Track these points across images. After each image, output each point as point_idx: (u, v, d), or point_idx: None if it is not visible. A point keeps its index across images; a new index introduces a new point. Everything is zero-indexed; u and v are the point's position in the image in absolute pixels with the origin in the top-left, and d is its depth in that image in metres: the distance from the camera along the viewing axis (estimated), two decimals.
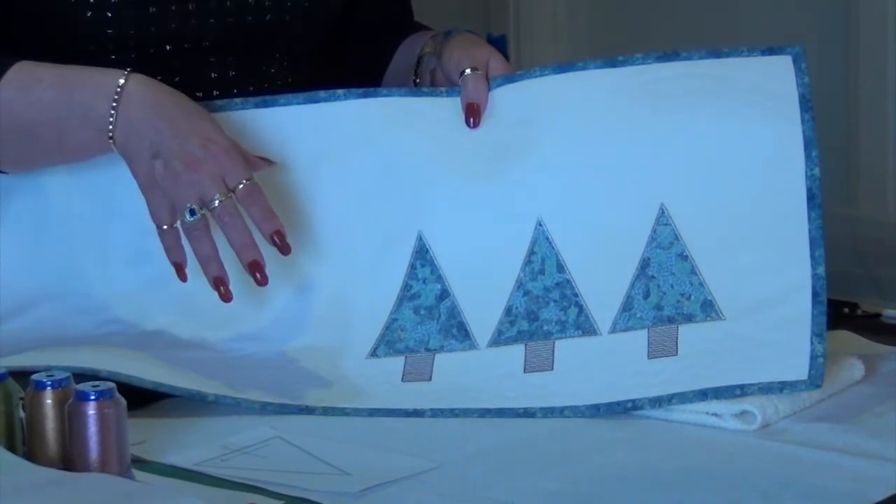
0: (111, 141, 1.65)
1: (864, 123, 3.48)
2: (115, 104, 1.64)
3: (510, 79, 1.75)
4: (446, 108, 1.74)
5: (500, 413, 1.57)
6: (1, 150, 1.70)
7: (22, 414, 1.44)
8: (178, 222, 1.64)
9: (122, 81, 1.65)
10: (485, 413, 1.57)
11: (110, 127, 1.65)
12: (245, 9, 1.80)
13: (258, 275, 1.63)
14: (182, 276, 1.66)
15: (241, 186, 1.62)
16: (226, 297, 1.64)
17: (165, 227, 1.66)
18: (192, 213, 1.62)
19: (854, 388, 1.60)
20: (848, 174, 3.39)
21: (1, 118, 1.68)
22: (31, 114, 1.69)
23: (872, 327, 1.77)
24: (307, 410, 1.59)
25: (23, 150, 1.71)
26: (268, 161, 1.69)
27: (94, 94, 1.66)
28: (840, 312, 1.75)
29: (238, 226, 1.63)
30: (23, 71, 1.70)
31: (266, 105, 1.74)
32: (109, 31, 1.75)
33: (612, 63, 1.71)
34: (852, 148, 3.46)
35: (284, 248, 1.64)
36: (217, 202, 1.61)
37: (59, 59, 1.72)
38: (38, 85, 1.69)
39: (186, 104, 1.67)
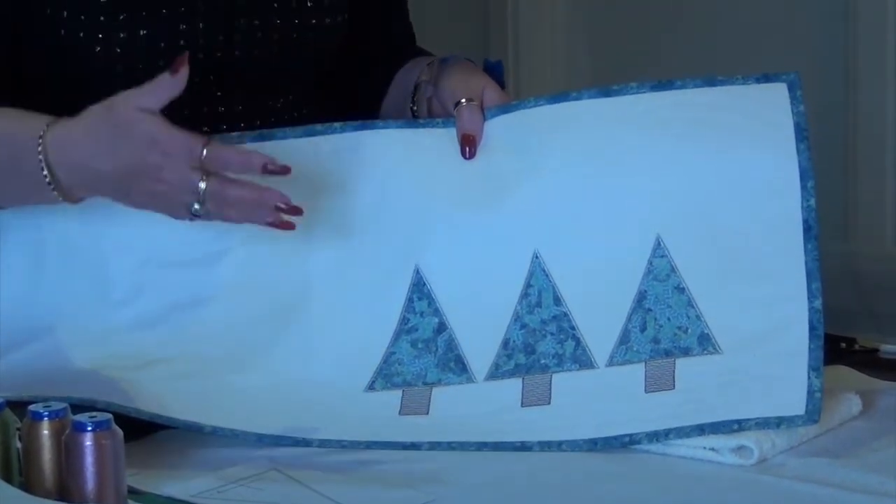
0: (63, 196, 1.65)
1: (861, 156, 3.48)
2: (44, 161, 1.64)
3: (505, 109, 1.76)
4: (442, 140, 1.75)
5: (498, 447, 1.57)
6: None
7: (19, 444, 1.44)
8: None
9: (42, 129, 1.64)
10: (482, 447, 1.58)
11: (52, 186, 1.64)
12: (252, 44, 1.82)
13: (281, 225, 1.61)
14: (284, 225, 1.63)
15: (205, 154, 1.60)
16: (287, 226, 1.62)
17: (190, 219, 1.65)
18: (197, 213, 1.62)
19: (851, 424, 1.60)
20: (845, 208, 3.39)
21: None
22: None
23: (870, 362, 1.77)
24: (304, 443, 1.59)
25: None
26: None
27: (24, 140, 1.65)
28: (837, 347, 1.76)
29: (234, 190, 1.60)
30: None
31: (264, 139, 1.75)
32: (118, 66, 1.75)
33: (606, 92, 1.72)
34: (849, 181, 3.46)
35: (282, 171, 1.60)
36: (203, 185, 1.59)
37: (69, 95, 1.73)
38: None
39: (94, 125, 1.64)
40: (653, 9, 3.81)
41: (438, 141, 1.75)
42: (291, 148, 1.74)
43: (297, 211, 1.61)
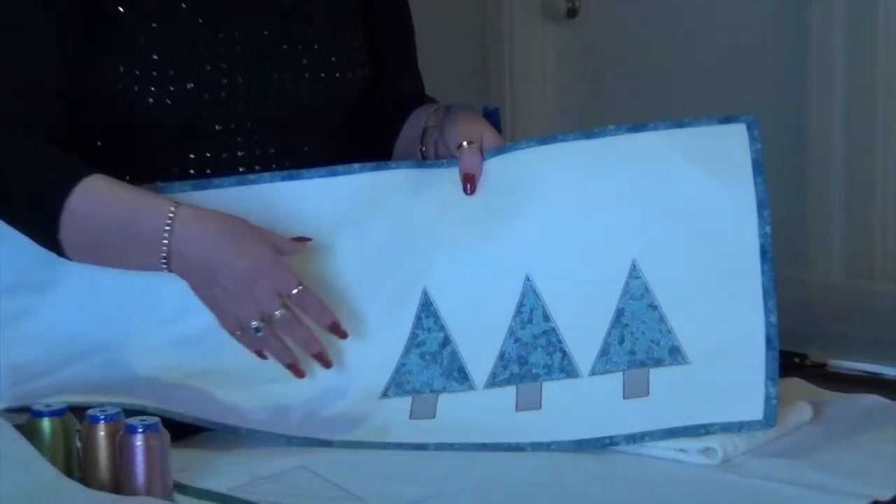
0: (167, 269, 1.66)
1: (811, 194, 3.48)
2: (166, 233, 1.64)
3: (501, 150, 1.75)
4: (447, 178, 1.75)
5: (496, 447, 1.57)
6: (69, 245, 1.69)
7: (78, 444, 1.44)
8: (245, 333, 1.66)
9: (174, 202, 1.66)
10: (481, 447, 1.58)
11: (163, 255, 1.65)
12: (284, 96, 1.82)
13: (323, 361, 1.66)
14: (262, 357, 1.68)
15: (294, 293, 1.64)
16: (326, 366, 1.67)
17: (238, 334, 1.66)
18: (257, 328, 1.64)
19: (804, 429, 1.60)
20: (798, 241, 3.39)
21: (72, 224, 1.68)
22: (97, 230, 1.69)
23: (819, 376, 1.77)
24: (326, 443, 1.59)
25: (89, 253, 1.71)
26: (303, 240, 1.69)
27: (151, 217, 1.66)
28: (791, 362, 1.76)
29: (297, 329, 1.65)
30: (93, 187, 1.69)
31: (293, 178, 1.74)
32: (167, 114, 1.75)
33: (588, 135, 1.71)
34: (802, 217, 3.46)
35: (341, 335, 1.66)
36: (278, 314, 1.63)
37: (120, 138, 1.75)
38: (105, 206, 1.69)
39: (229, 229, 1.66)
40: (629, 60, 3.81)
41: (443, 179, 1.75)
42: (316, 186, 1.74)
43: (326, 363, 1.66)
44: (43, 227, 1.69)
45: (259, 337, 1.64)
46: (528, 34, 3.98)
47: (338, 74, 1.87)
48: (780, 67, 3.55)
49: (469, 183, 1.73)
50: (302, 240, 1.69)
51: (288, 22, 1.85)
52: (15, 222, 1.74)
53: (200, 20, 1.79)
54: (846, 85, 3.44)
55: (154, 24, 1.77)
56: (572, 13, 3.93)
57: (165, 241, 1.64)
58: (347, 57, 1.89)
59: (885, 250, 3.36)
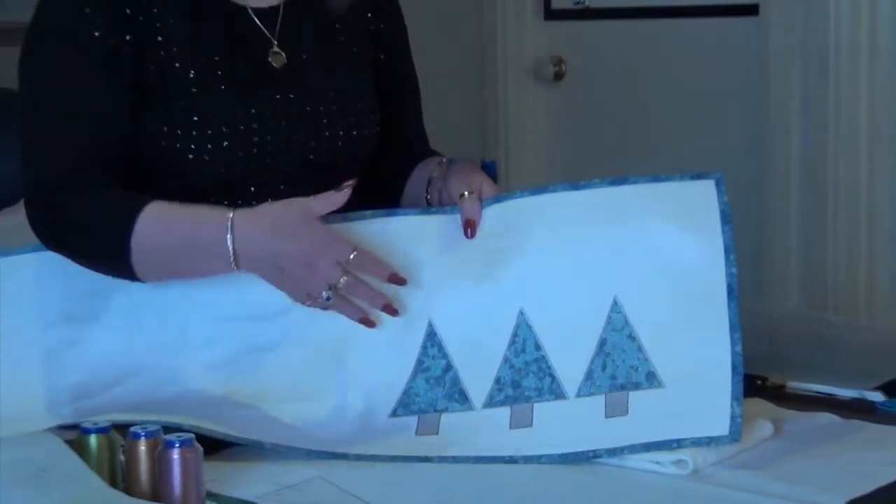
0: (236, 268, 1.67)
1: (771, 236, 3.48)
2: (230, 242, 1.66)
3: (498, 199, 1.75)
4: (450, 224, 1.75)
5: (492, 460, 1.57)
6: (140, 268, 1.71)
7: (122, 458, 1.44)
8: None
9: (229, 216, 1.66)
10: (479, 460, 1.57)
11: (232, 260, 1.66)
12: (307, 152, 1.84)
13: (390, 311, 1.68)
14: (370, 325, 1.70)
15: (352, 258, 1.65)
16: (393, 314, 1.69)
17: (308, 303, 1.68)
18: (328, 297, 1.66)
19: (765, 444, 1.59)
20: (759, 277, 3.39)
21: (139, 246, 1.70)
22: (163, 246, 1.71)
23: (779, 396, 1.77)
24: (342, 456, 1.59)
25: (156, 271, 1.72)
26: (343, 190, 1.70)
27: (212, 231, 1.67)
28: (753, 384, 1.75)
29: (362, 289, 1.67)
30: (155, 210, 1.71)
31: None
32: (204, 167, 1.77)
33: (575, 186, 1.72)
34: (763, 256, 3.46)
35: (400, 282, 1.69)
36: (342, 281, 1.65)
37: (164, 186, 1.76)
38: (168, 223, 1.71)
39: (281, 220, 1.68)
40: (609, 118, 3.82)
41: (447, 224, 1.75)
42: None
43: (393, 312, 1.68)
44: (115, 256, 1.71)
45: (330, 304, 1.66)
46: (520, 95, 3.99)
47: (354, 133, 1.88)
48: (743, 123, 3.56)
49: (470, 228, 1.73)
50: (342, 189, 1.70)
51: (311, 89, 1.86)
52: (91, 259, 1.76)
53: (235, 87, 1.80)
54: (801, 139, 3.44)
55: (194, 90, 1.78)
56: (559, 77, 3.95)
57: (231, 247, 1.66)
58: (362, 117, 1.90)
59: (836, 285, 3.37)
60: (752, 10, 3.51)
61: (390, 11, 2.00)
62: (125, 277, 1.73)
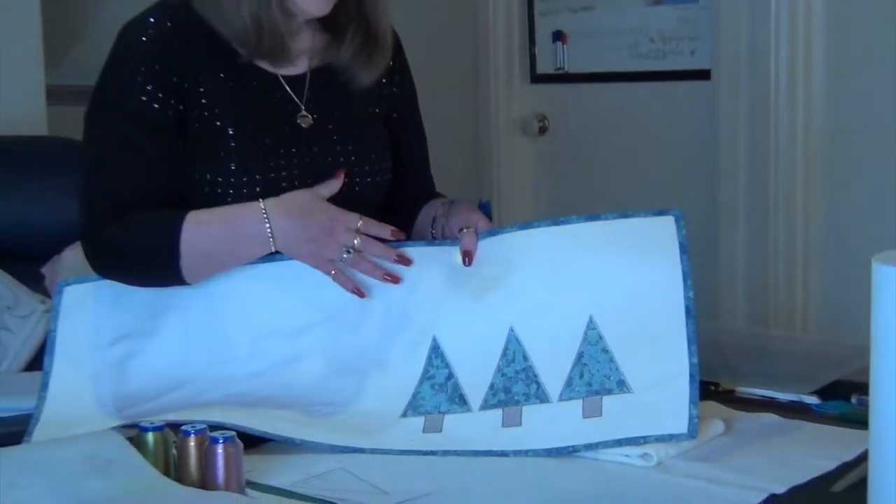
0: (274, 246, 1.72)
1: (721, 264, 3.49)
2: (268, 227, 1.71)
3: (491, 233, 1.75)
4: (451, 255, 1.75)
5: (487, 454, 1.56)
6: (190, 272, 1.73)
7: (174, 452, 1.44)
8: (339, 265, 1.72)
9: (262, 207, 1.72)
10: (476, 453, 1.57)
11: (271, 241, 1.72)
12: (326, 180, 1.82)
13: (403, 261, 1.74)
14: (360, 295, 1.73)
15: (360, 224, 1.72)
16: (395, 281, 1.73)
17: (333, 272, 1.72)
18: (346, 255, 1.71)
19: (717, 439, 1.59)
20: (712, 298, 3.39)
21: (187, 251, 1.72)
22: (208, 245, 1.73)
23: (729, 399, 1.76)
24: (360, 450, 1.58)
25: (203, 268, 1.74)
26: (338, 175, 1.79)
27: (250, 222, 1.72)
28: (707, 389, 1.75)
29: (373, 246, 1.73)
30: (195, 218, 1.73)
31: None
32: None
33: (556, 222, 1.71)
34: (714, 280, 3.47)
35: (398, 237, 1.75)
36: (357, 242, 1.71)
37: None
38: (208, 226, 1.73)
39: (303, 201, 1.74)
40: (585, 164, 3.82)
41: (448, 255, 1.75)
42: None
43: (406, 261, 1.74)
44: (166, 266, 1.72)
45: (351, 262, 1.71)
46: (510, 147, 4.00)
47: (368, 179, 1.88)
48: (698, 169, 3.56)
49: (467, 258, 1.72)
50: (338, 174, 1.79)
51: (333, 145, 1.86)
52: (141, 275, 1.77)
53: (267, 140, 1.80)
54: (746, 182, 3.45)
55: (233, 144, 1.78)
56: (542, 131, 3.96)
57: (269, 230, 1.71)
58: (375, 167, 1.90)
59: (777, 306, 3.37)
60: (705, 75, 3.53)
61: (402, 77, 2.00)
62: (171, 284, 1.74)
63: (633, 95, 3.71)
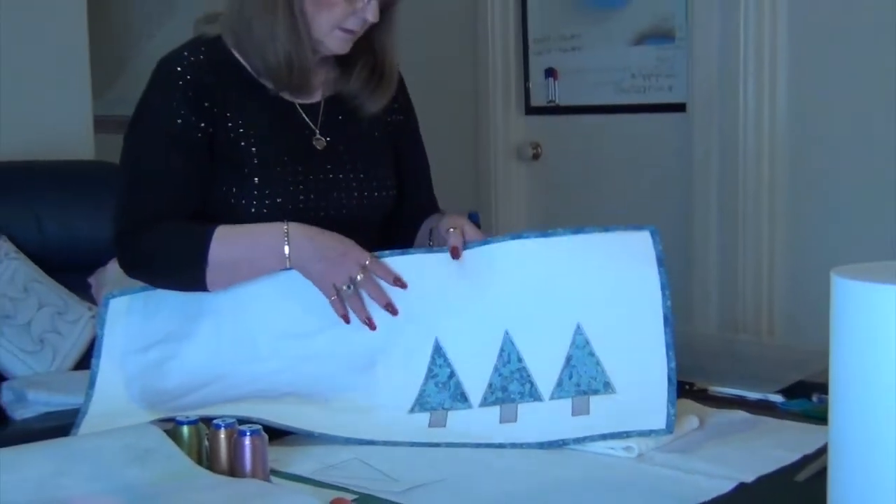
0: (289, 264, 1.71)
1: (695, 275, 3.48)
2: (286, 244, 1.70)
3: (486, 241, 1.73)
4: (446, 261, 1.71)
5: (487, 446, 1.56)
6: (213, 280, 1.73)
7: (206, 444, 1.43)
8: (340, 293, 1.70)
9: (285, 229, 1.71)
10: (477, 446, 1.56)
11: (287, 259, 1.70)
12: (340, 209, 1.83)
13: (391, 310, 1.70)
14: (346, 321, 1.71)
15: (367, 263, 1.70)
16: (393, 312, 1.71)
17: (333, 298, 1.70)
18: (348, 287, 1.69)
19: (692, 433, 1.58)
20: (687, 305, 3.39)
21: (214, 261, 1.71)
22: (233, 257, 1.73)
23: (702, 397, 1.76)
24: (371, 442, 1.58)
25: (227, 278, 1.74)
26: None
27: (273, 240, 1.71)
28: (683, 389, 1.74)
29: (372, 287, 1.70)
30: (223, 232, 1.73)
31: None
32: (264, 219, 1.78)
33: (544, 234, 1.69)
34: (689, 290, 3.46)
35: (402, 286, 1.71)
36: (359, 277, 1.69)
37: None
38: (235, 240, 1.73)
39: (321, 232, 1.72)
40: (574, 187, 3.82)
41: (444, 261, 1.72)
42: None
43: (394, 311, 1.71)
44: (193, 273, 1.72)
45: (348, 294, 1.69)
46: (506, 170, 3.99)
47: (376, 194, 1.88)
48: (674, 190, 3.56)
49: (453, 252, 1.71)
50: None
51: (344, 164, 1.87)
52: (169, 279, 1.77)
53: (286, 158, 1.81)
54: (717, 203, 3.45)
55: (255, 162, 1.79)
56: (536, 157, 3.95)
57: (287, 249, 1.70)
58: (381, 184, 1.90)
59: (745, 313, 3.37)
60: (681, 108, 3.54)
61: (405, 110, 2.01)
62: (193, 289, 1.74)
63: (617, 126, 3.71)
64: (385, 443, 1.58)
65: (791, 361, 1.93)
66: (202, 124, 1.78)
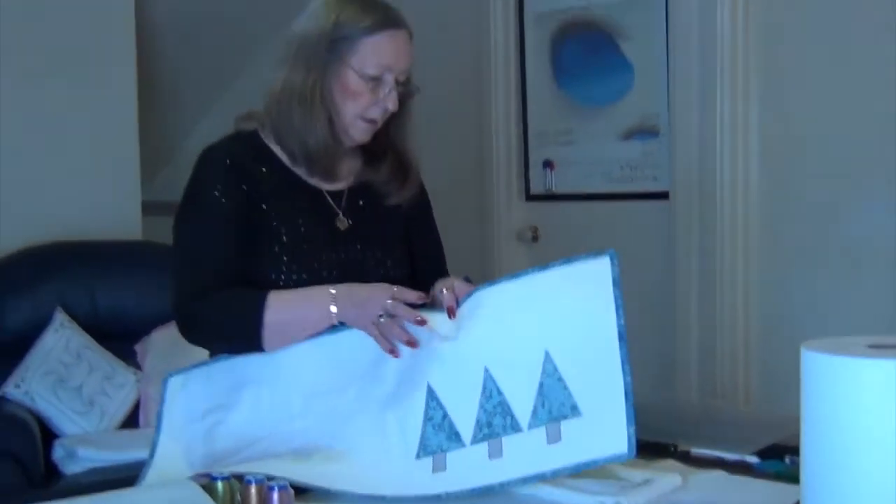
0: (335, 319, 1.71)
1: (677, 346, 3.47)
2: (333, 307, 1.70)
3: (468, 294, 1.70)
4: (438, 315, 1.70)
5: (482, 491, 1.54)
6: (269, 340, 1.72)
7: (238, 497, 1.43)
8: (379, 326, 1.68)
9: (333, 292, 1.71)
10: (473, 492, 1.54)
11: (334, 315, 1.70)
12: (358, 271, 1.84)
13: (411, 345, 1.68)
14: (395, 355, 1.69)
15: (395, 290, 1.69)
16: (414, 345, 1.68)
17: (376, 334, 1.68)
18: (381, 318, 1.67)
19: (676, 492, 1.56)
20: (669, 374, 3.37)
21: (270, 322, 1.71)
22: (286, 319, 1.72)
23: (684, 458, 1.74)
24: (381, 499, 1.56)
25: (279, 338, 1.72)
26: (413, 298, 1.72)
27: (320, 301, 1.71)
28: (667, 450, 1.72)
29: (404, 314, 1.68)
30: (275, 298, 1.72)
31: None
32: (286, 287, 1.78)
33: (517, 275, 1.67)
34: (672, 360, 3.44)
35: (421, 323, 1.68)
36: (389, 303, 1.67)
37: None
38: (287, 304, 1.73)
39: (353, 285, 1.74)
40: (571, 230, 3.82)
41: (436, 315, 1.70)
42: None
43: (413, 344, 1.68)
44: (251, 337, 1.72)
45: (383, 323, 1.67)
46: (509, 251, 4.00)
47: (392, 272, 1.88)
48: (658, 268, 3.56)
49: (450, 312, 1.70)
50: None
51: (364, 244, 1.88)
52: (227, 342, 1.76)
53: (312, 238, 1.83)
54: (697, 280, 3.44)
55: (284, 240, 1.80)
56: (535, 238, 3.96)
57: (335, 310, 1.70)
58: (398, 261, 1.91)
59: (723, 382, 3.35)
60: (664, 196, 3.55)
61: (420, 195, 2.01)
62: (249, 351, 1.73)
63: (607, 211, 3.73)
64: (394, 498, 1.55)
65: (765, 426, 1.92)
66: (241, 204, 1.80)
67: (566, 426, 1.55)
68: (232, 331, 1.75)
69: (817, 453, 1.16)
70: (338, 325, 1.73)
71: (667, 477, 1.57)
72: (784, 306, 3.27)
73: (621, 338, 1.57)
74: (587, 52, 3.75)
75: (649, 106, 3.60)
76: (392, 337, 1.69)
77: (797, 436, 1.20)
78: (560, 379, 1.58)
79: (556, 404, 1.57)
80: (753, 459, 1.75)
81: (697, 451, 1.79)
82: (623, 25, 3.65)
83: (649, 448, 1.56)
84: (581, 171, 3.79)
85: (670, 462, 1.68)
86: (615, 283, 1.60)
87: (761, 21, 3.28)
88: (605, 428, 1.52)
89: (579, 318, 1.61)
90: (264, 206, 1.81)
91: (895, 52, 3.03)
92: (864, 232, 3.11)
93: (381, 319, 1.69)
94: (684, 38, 3.41)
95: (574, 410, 1.55)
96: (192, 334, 1.78)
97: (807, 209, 3.22)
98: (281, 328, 1.72)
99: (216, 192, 1.79)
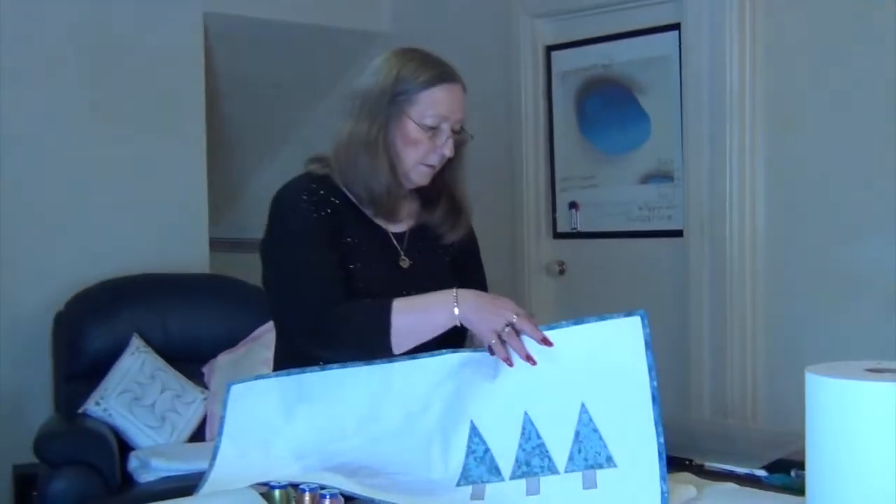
0: (458, 321, 1.66)
1: (691, 368, 3.44)
2: (456, 305, 1.65)
3: None
4: (482, 357, 1.65)
5: None
6: (396, 344, 1.68)
7: None
8: (500, 335, 1.63)
9: (454, 294, 1.67)
10: None
11: (457, 315, 1.65)
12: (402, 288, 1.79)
13: (531, 361, 1.61)
14: (510, 364, 1.62)
15: (518, 314, 1.63)
16: (532, 362, 1.61)
17: (494, 342, 1.63)
18: (504, 329, 1.62)
19: (691, 502, 1.54)
20: (684, 394, 3.34)
21: (398, 327, 1.67)
22: (410, 325, 1.68)
23: (698, 471, 1.72)
24: None
25: (407, 340, 1.69)
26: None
27: (445, 302, 1.67)
28: (682, 464, 1.71)
29: (531, 331, 1.61)
30: (398, 305, 1.69)
31: (412, 358, 1.70)
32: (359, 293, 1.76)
33: (551, 326, 1.61)
34: (686, 382, 3.41)
35: (546, 343, 1.61)
36: (515, 318, 1.62)
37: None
38: (412, 308, 1.69)
39: (480, 293, 1.70)
40: (594, 296, 3.80)
41: (479, 357, 1.66)
42: (415, 364, 1.69)
43: (532, 362, 1.61)
44: (381, 342, 1.68)
45: (507, 333, 1.61)
46: (539, 284, 3.99)
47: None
48: (672, 298, 3.53)
49: (508, 362, 1.63)
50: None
51: (423, 279, 1.83)
52: (358, 349, 1.71)
53: (378, 277, 1.80)
54: (709, 310, 3.41)
55: (356, 275, 1.78)
56: (562, 272, 3.95)
57: (457, 310, 1.65)
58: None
59: (734, 401, 3.32)
60: (678, 234, 3.53)
61: (468, 235, 1.99)
62: (380, 355, 1.69)
63: (626, 248, 3.71)
64: None
65: (772, 442, 1.90)
66: (333, 226, 1.78)
67: (602, 475, 1.51)
68: (363, 338, 1.70)
69: (821, 467, 1.15)
70: (396, 356, 1.69)
71: (683, 488, 1.55)
72: (789, 334, 3.24)
73: (654, 400, 1.52)
74: (609, 105, 3.76)
75: (665, 153, 3.59)
76: (512, 348, 1.62)
77: (802, 451, 1.18)
78: (595, 430, 1.54)
79: (591, 452, 1.53)
80: (762, 473, 1.72)
81: (711, 465, 1.77)
82: (641, 81, 3.65)
83: (667, 462, 1.53)
84: (603, 211, 3.79)
85: (686, 475, 1.66)
86: (647, 345, 1.54)
87: (767, 76, 3.27)
88: (639, 482, 1.47)
89: (614, 376, 1.56)
90: (340, 241, 1.78)
91: (891, 106, 3.01)
92: (861, 266, 3.07)
93: (507, 330, 1.63)
94: (696, 92, 3.41)
95: (609, 461, 1.51)
96: (326, 348, 1.72)
97: (809, 246, 3.19)
98: (407, 331, 1.68)
99: (310, 220, 1.76)
